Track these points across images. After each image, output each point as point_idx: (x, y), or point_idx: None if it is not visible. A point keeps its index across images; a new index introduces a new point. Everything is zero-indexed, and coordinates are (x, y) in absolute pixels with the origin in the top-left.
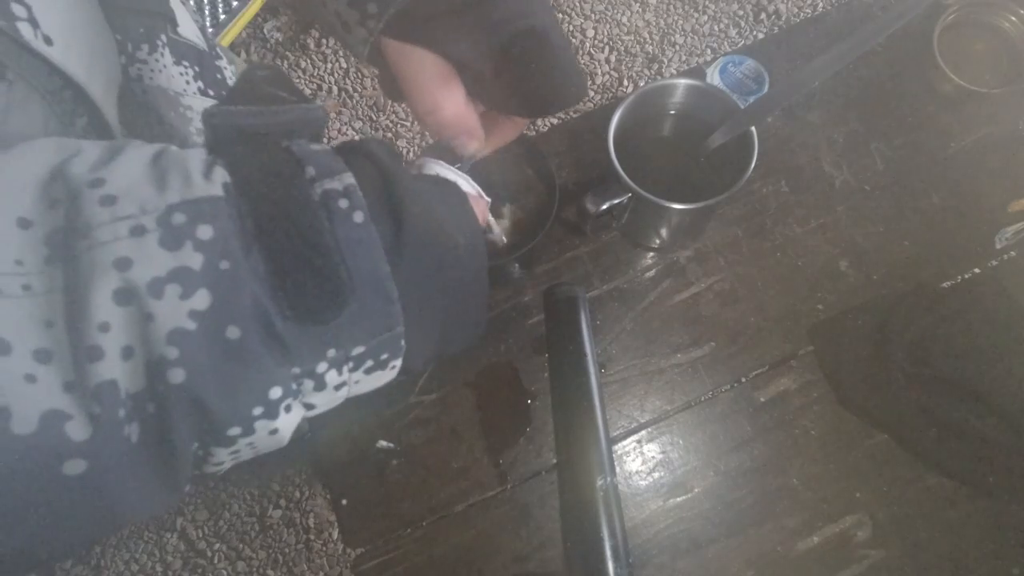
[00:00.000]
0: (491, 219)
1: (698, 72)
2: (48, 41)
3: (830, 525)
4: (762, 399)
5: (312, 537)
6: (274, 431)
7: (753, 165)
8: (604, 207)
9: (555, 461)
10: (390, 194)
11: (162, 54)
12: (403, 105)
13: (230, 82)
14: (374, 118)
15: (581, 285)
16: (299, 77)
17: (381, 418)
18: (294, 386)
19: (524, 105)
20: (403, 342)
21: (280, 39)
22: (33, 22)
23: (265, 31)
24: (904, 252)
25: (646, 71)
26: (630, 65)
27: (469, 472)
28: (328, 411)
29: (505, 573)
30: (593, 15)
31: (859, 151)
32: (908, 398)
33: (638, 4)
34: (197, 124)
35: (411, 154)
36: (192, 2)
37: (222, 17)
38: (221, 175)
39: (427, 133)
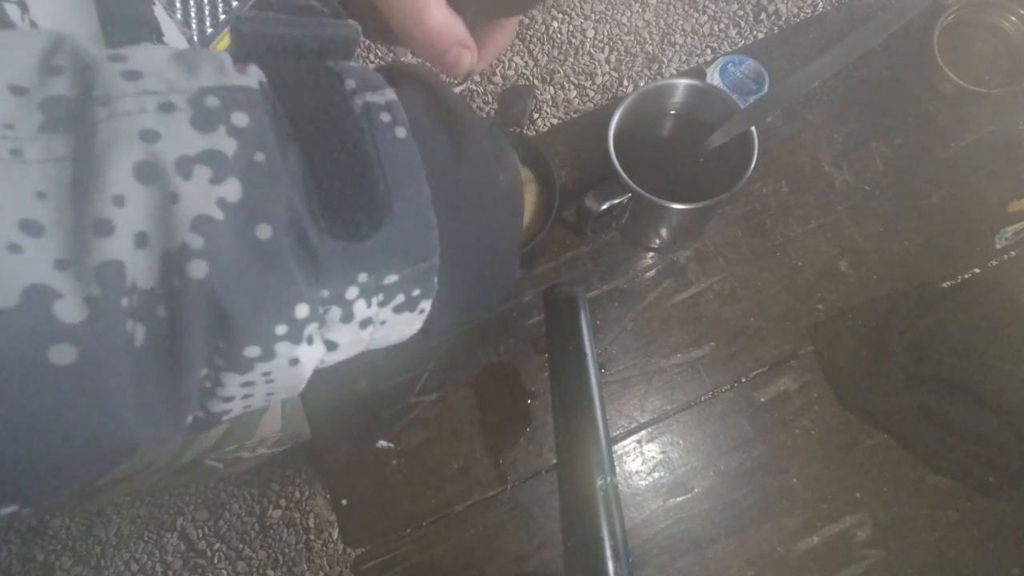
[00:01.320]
0: None
1: (698, 72)
2: (34, 26)
3: (830, 525)
4: (762, 399)
5: (312, 537)
6: (295, 360)
7: (753, 165)
8: (604, 207)
9: (555, 461)
10: (444, 113)
11: None
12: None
13: None
14: None
15: (581, 285)
16: None
17: (381, 418)
18: (320, 310)
19: (509, 0)
20: (436, 280)
21: None
22: (22, 5)
23: None
24: (904, 252)
25: (646, 71)
26: (630, 65)
27: (469, 472)
28: (327, 411)
29: (505, 573)
30: (593, 15)
31: (859, 151)
32: (908, 398)
33: (638, 4)
34: None
35: None
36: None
37: (222, 17)
38: (256, 73)
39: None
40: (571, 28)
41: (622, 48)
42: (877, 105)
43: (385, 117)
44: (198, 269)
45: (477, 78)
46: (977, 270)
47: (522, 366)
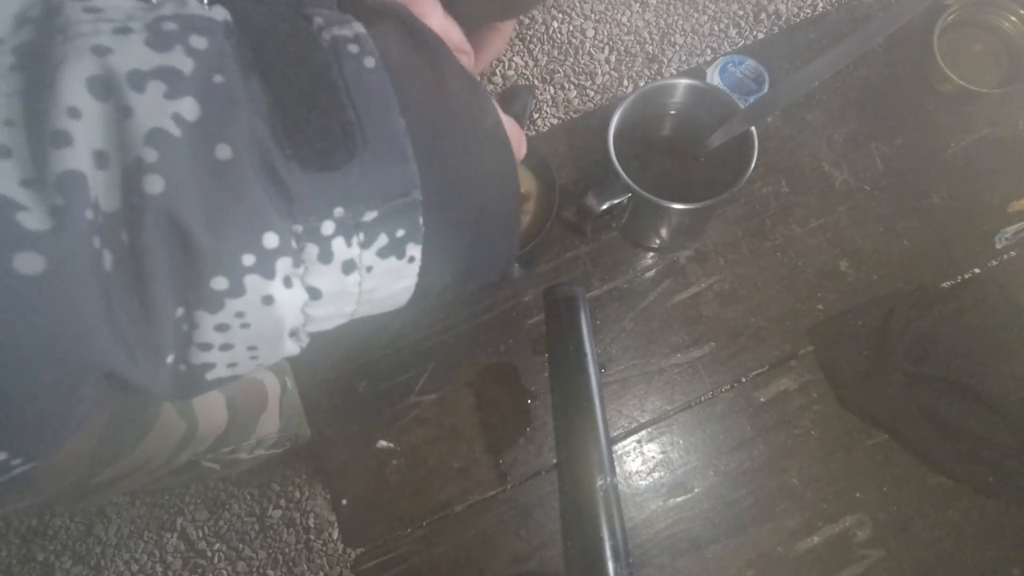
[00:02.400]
0: None
1: (698, 72)
2: None
3: (830, 525)
4: (762, 399)
5: (312, 537)
6: (268, 299)
7: (753, 165)
8: (604, 207)
9: (555, 461)
10: (419, 47)
11: None
12: None
13: None
14: None
15: (581, 285)
16: None
17: (381, 418)
18: (294, 244)
19: (504, 4)
20: (421, 220)
21: None
22: None
23: None
24: (904, 252)
25: (646, 71)
26: (630, 65)
27: (469, 472)
28: (327, 411)
29: (505, 573)
30: (593, 15)
31: (859, 151)
32: (908, 398)
33: (638, 4)
34: None
35: None
36: None
37: None
38: (221, 11)
39: None
40: (571, 28)
41: (622, 48)
42: (877, 105)
43: (353, 48)
44: (154, 184)
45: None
46: (977, 270)
47: (522, 366)
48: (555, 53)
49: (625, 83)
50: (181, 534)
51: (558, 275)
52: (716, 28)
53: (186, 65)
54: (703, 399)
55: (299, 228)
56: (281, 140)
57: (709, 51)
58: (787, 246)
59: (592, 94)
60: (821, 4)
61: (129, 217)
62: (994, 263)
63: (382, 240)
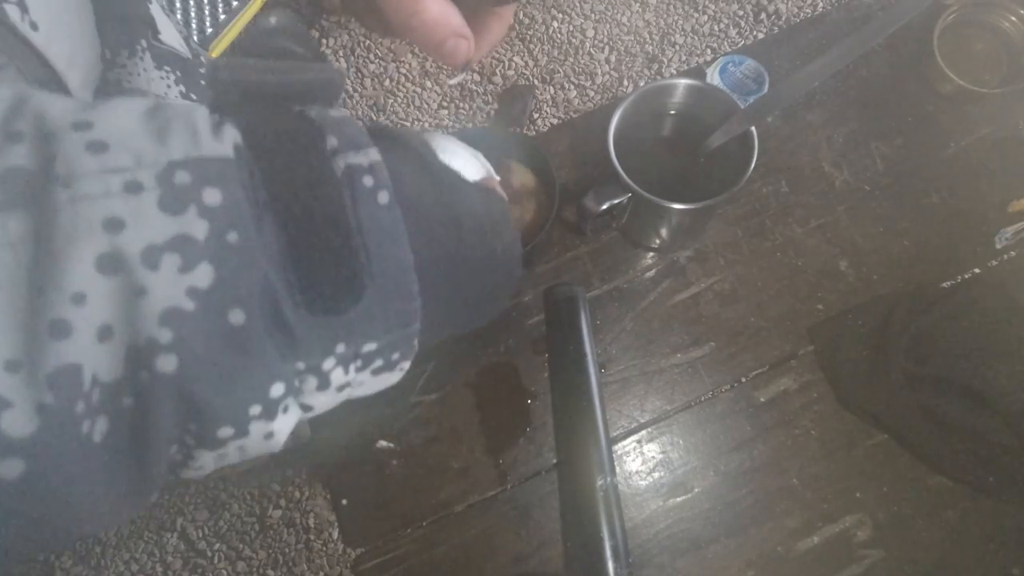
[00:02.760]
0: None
1: (698, 72)
2: (34, 27)
3: (830, 525)
4: (762, 399)
5: (312, 537)
6: (269, 435)
7: (753, 165)
8: (604, 207)
9: (555, 461)
10: (433, 181)
11: (142, 58)
12: (402, 104)
13: None
14: (374, 118)
15: (581, 285)
16: None
17: (381, 418)
18: (296, 383)
19: None
20: (416, 342)
21: None
22: (22, 6)
23: None
24: (904, 252)
25: (646, 71)
26: (630, 65)
27: (469, 472)
28: (328, 411)
29: (505, 573)
30: (593, 15)
31: (859, 151)
32: (908, 398)
33: (638, 4)
34: None
35: None
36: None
37: (222, 17)
38: (232, 135)
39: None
40: (571, 28)
41: (622, 48)
42: (877, 105)
43: (368, 181)
44: (168, 363)
45: (477, 78)
46: (977, 270)
47: (522, 366)
48: (555, 53)
49: (625, 83)
50: (181, 534)
51: (558, 275)
52: (716, 28)
53: (200, 229)
54: (703, 399)
55: (301, 365)
56: (292, 287)
57: (709, 51)
58: (787, 246)
59: (592, 94)
60: (821, 4)
61: (134, 387)
62: (994, 263)
63: (377, 363)
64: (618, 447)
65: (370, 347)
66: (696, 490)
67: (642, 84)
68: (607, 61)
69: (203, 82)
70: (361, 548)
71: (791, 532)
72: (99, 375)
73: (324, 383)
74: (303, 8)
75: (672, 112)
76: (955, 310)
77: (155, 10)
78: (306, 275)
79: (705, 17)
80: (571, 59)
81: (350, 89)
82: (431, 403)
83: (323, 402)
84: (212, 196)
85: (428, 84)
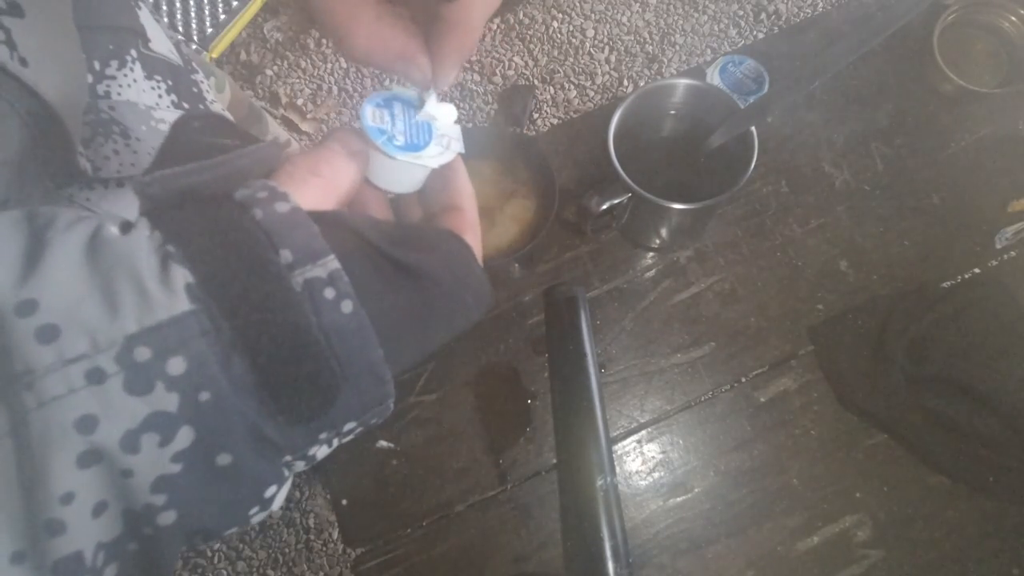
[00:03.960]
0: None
1: (698, 72)
2: (23, 63)
3: (830, 525)
4: (762, 399)
5: (312, 537)
6: (267, 511)
7: (753, 165)
8: (604, 207)
9: (555, 461)
10: (393, 268)
11: (132, 69)
12: None
13: (207, 95)
14: None
15: (581, 285)
16: (299, 77)
17: None
18: (286, 472)
19: None
20: (391, 403)
21: (280, 39)
22: (10, 44)
23: (265, 31)
24: (904, 252)
25: (646, 71)
26: (630, 65)
27: (469, 472)
28: None
29: (505, 573)
30: (593, 15)
31: (859, 151)
32: (908, 398)
33: (638, 4)
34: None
35: None
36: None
37: (222, 17)
38: (181, 275)
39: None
40: (571, 28)
41: (622, 48)
42: (877, 105)
43: (329, 293)
44: (167, 517)
45: (477, 78)
46: (977, 270)
47: (522, 366)
48: (555, 53)
49: (625, 83)
50: None
51: (558, 275)
52: (716, 28)
53: (172, 402)
54: (703, 399)
55: (288, 458)
56: (271, 412)
57: (709, 51)
58: (787, 246)
59: (592, 94)
60: (821, 4)
61: (138, 537)
62: (994, 263)
63: (358, 431)
64: (618, 447)
65: (350, 426)
66: (696, 490)
67: (642, 84)
68: (607, 61)
69: (195, 90)
70: (361, 548)
71: (791, 532)
72: (101, 540)
73: (311, 461)
74: (304, 8)
75: (672, 112)
76: (955, 310)
77: (145, 17)
78: (282, 399)
79: (705, 17)
80: (571, 59)
81: (350, 89)
82: (431, 403)
83: (306, 467)
84: (176, 366)
85: None
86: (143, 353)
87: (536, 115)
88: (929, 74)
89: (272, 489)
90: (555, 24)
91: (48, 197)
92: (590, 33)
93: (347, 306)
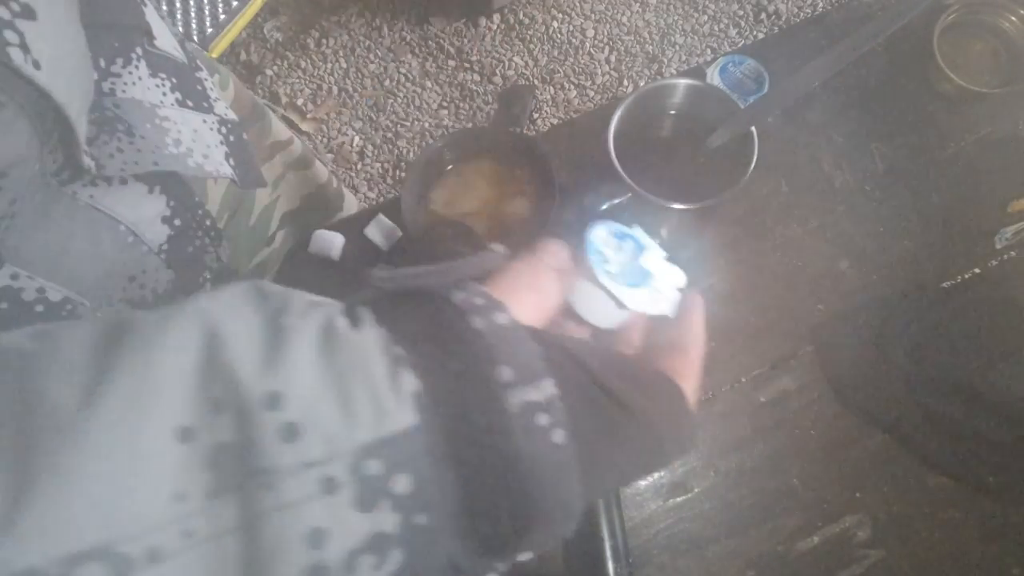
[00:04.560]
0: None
1: (698, 72)
2: (37, 65)
3: (830, 525)
4: (762, 399)
5: None
6: None
7: (753, 165)
8: (604, 207)
9: None
10: (610, 398)
11: (137, 66)
12: (402, 104)
13: (211, 93)
14: (374, 118)
15: None
16: (299, 77)
17: None
18: None
19: None
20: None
21: (280, 39)
22: (24, 48)
23: (265, 31)
24: (904, 252)
25: (646, 71)
26: (630, 65)
27: None
28: None
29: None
30: (593, 15)
31: (859, 151)
32: (908, 398)
33: (638, 4)
34: (174, 135)
35: (411, 154)
36: (192, 2)
37: (222, 17)
38: (410, 384)
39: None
40: (571, 28)
41: (622, 48)
42: (877, 105)
43: (542, 420)
44: None
45: (477, 78)
46: (977, 270)
47: None
48: (555, 53)
49: (625, 83)
50: None
51: None
52: (716, 28)
53: (392, 522)
54: (703, 399)
55: None
56: (468, 543)
57: (709, 51)
58: (787, 246)
59: (592, 94)
60: (821, 4)
61: None
62: (994, 263)
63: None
64: None
65: (525, 556)
66: (696, 490)
67: (642, 84)
68: (607, 61)
69: (199, 87)
70: None
71: (791, 532)
72: None
73: None
74: (304, 7)
75: (672, 112)
76: (955, 310)
77: (150, 15)
78: (482, 529)
79: (705, 17)
80: (571, 59)
81: (350, 89)
82: None
83: None
84: (402, 484)
85: (428, 84)
86: (374, 466)
87: (536, 115)
88: (929, 74)
89: None
90: (555, 24)
91: (51, 194)
92: (590, 33)
93: (559, 436)
